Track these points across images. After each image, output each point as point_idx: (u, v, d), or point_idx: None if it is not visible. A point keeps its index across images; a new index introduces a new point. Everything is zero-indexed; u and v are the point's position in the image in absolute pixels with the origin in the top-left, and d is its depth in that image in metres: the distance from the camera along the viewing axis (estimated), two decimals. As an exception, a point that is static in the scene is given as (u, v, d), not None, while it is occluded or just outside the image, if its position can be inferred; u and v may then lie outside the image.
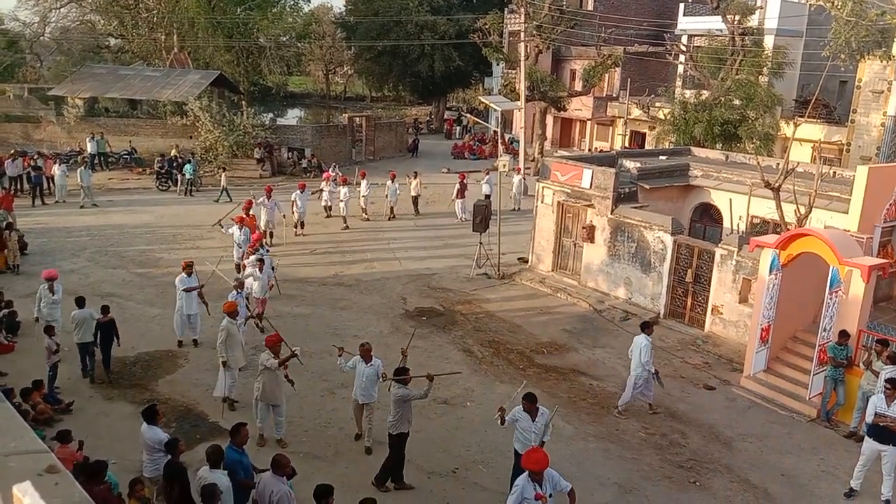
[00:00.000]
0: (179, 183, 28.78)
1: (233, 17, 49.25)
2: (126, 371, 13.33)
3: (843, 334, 12.30)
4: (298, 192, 23.31)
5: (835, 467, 11.24)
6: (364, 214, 25.62)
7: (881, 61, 25.77)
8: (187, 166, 28.89)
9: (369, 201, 25.75)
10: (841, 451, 11.70)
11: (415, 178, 26.79)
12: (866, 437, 10.44)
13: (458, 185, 26.12)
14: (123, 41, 54.29)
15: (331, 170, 28.85)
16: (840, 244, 12.47)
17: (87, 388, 12.65)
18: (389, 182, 25.83)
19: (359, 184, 26.10)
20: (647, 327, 12.67)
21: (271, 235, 21.66)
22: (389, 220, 25.71)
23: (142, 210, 25.73)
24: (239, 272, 17.33)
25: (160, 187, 29.46)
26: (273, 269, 16.92)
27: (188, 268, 14.58)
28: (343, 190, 25.05)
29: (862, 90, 27.93)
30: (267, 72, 59.80)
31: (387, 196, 25.75)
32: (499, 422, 9.56)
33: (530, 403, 9.40)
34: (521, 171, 29.27)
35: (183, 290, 14.32)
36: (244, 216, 19.20)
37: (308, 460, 10.59)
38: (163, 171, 29.84)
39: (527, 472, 7.60)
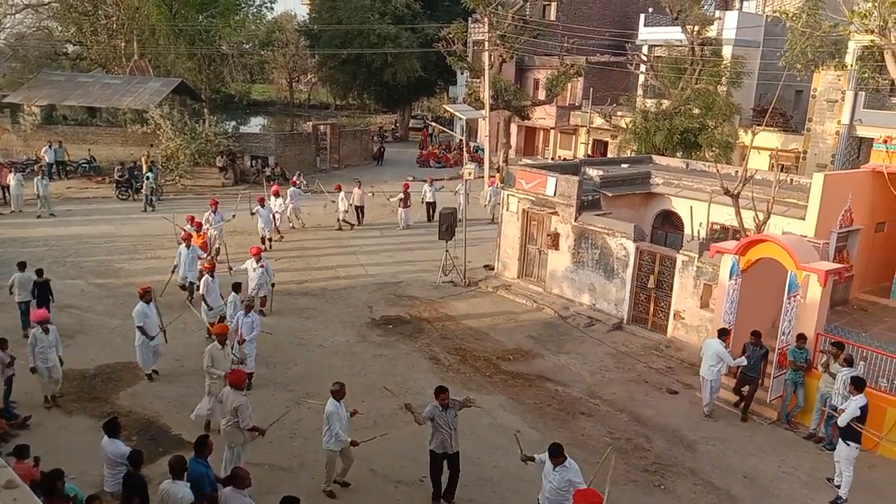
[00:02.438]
0: (144, 191, 28.35)
1: (194, 24, 48.75)
2: (86, 384, 13.04)
3: (801, 338, 12.59)
4: (274, 198, 24.04)
5: (794, 468, 11.48)
6: (339, 223, 25.65)
7: (835, 71, 26.51)
8: (149, 174, 28.47)
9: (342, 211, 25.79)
10: (801, 452, 11.94)
11: (358, 187, 26.39)
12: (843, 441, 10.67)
13: (401, 194, 26.17)
14: (82, 48, 53.28)
15: (296, 177, 28.70)
16: (798, 250, 12.77)
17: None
18: (337, 194, 25.72)
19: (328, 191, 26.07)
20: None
21: (217, 252, 20.38)
22: (338, 230, 25.48)
23: (101, 219, 25.26)
24: (188, 291, 16.86)
25: (120, 196, 28.95)
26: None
27: (146, 295, 13.35)
28: (278, 202, 24.22)
29: (817, 99, 28.69)
30: (229, 79, 59.27)
31: (336, 208, 25.64)
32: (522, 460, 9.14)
33: (558, 458, 8.45)
34: (497, 182, 29.23)
35: (141, 326, 13.10)
36: (194, 233, 18.31)
37: (273, 472, 10.48)
38: (123, 179, 29.35)
39: None
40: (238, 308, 13.73)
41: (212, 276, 15.11)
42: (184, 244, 17.21)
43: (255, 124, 63.79)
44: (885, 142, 16.73)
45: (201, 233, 18.83)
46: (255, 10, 58.28)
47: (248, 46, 59.87)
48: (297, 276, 19.99)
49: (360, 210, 26.32)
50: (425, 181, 28.09)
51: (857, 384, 10.82)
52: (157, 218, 24.33)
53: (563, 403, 13.34)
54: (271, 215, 22.90)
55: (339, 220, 25.61)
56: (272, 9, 67.95)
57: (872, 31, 13.97)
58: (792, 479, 11.20)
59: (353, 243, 23.85)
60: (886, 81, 22.63)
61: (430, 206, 26.84)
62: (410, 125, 57.14)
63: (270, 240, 22.78)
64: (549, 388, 13.93)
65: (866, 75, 24.93)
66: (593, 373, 14.76)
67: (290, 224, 25.10)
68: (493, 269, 20.88)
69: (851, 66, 25.54)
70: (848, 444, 10.64)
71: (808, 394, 12.58)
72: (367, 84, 52.32)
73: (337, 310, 17.57)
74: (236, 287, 14.46)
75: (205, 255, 17.78)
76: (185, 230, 18.31)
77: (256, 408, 12.08)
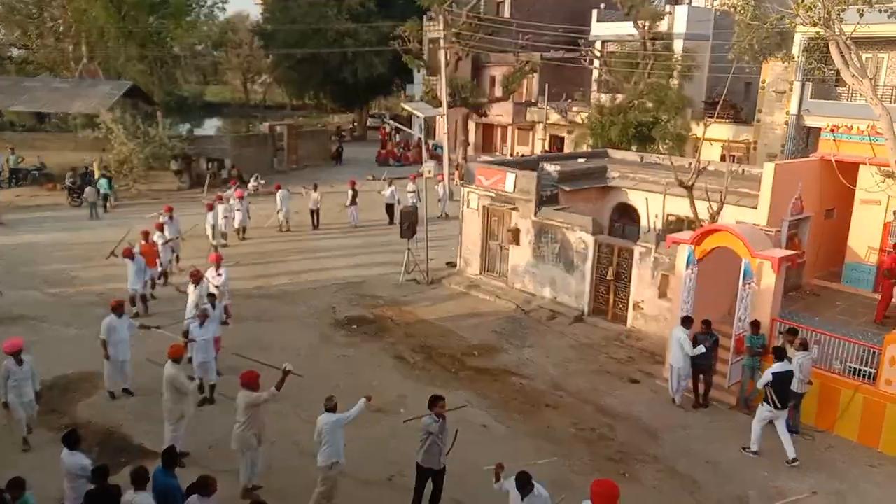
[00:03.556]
0: (89, 198, 27.75)
1: (145, 25, 47.78)
2: (43, 396, 12.70)
3: (756, 324, 12.90)
4: (237, 201, 23.80)
5: (755, 452, 11.74)
6: (280, 225, 25.53)
7: (782, 63, 27.14)
8: (102, 181, 27.92)
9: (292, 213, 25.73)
10: (762, 437, 12.23)
11: (314, 190, 26.11)
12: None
13: (350, 192, 26.07)
14: (27, 52, 51.88)
15: (253, 180, 28.50)
16: (751, 238, 13.08)
17: (1, 416, 12.02)
18: (278, 193, 25.49)
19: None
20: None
21: (177, 260, 20.24)
22: (284, 231, 25.34)
23: (54, 227, 24.67)
24: (134, 305, 16.32)
25: (73, 203, 28.31)
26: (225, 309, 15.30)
27: (118, 308, 12.72)
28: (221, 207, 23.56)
29: (766, 91, 29.35)
30: (182, 81, 58.36)
31: (278, 210, 25.41)
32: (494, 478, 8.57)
33: (525, 489, 8.01)
34: (445, 178, 29.42)
35: (104, 340, 12.51)
36: (142, 241, 17.84)
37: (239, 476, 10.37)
38: (75, 185, 28.69)
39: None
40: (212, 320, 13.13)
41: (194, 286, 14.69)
42: (127, 259, 16.51)
43: (211, 126, 62.84)
44: (832, 130, 17.19)
45: (150, 242, 18.02)
46: (206, 11, 57.36)
47: (200, 48, 59.03)
48: (257, 279, 19.80)
49: (315, 213, 26.02)
50: (384, 180, 28.11)
51: (776, 353, 11.70)
52: (113, 224, 23.85)
53: (528, 397, 13.46)
54: (221, 219, 22.46)
55: (279, 221, 25.41)
56: (224, 9, 66.66)
57: (817, 23, 14.33)
58: (753, 463, 11.48)
59: (315, 245, 23.72)
60: (832, 72, 23.22)
61: (390, 207, 26.77)
62: (368, 124, 56.92)
63: (225, 237, 22.76)
64: (514, 382, 14.05)
65: (812, 66, 25.61)
66: (557, 365, 14.92)
67: (278, 225, 25.38)
68: (455, 266, 20.94)
69: (798, 57, 26.19)
70: (762, 405, 11.60)
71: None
72: (324, 83, 51.98)
73: (299, 312, 17.45)
74: (211, 297, 13.86)
75: (150, 270, 17.30)
76: (128, 245, 17.49)
77: (218, 416, 12.00)
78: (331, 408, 9.45)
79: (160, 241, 18.76)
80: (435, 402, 9.38)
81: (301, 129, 42.31)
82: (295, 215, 26.05)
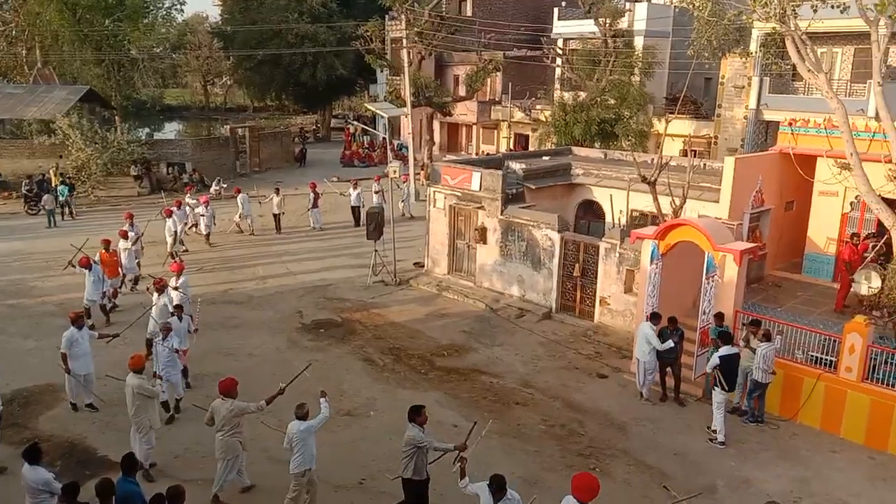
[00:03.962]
0: (47, 206, 27.14)
1: (100, 28, 46.77)
2: (2, 410, 12.37)
3: (720, 316, 13.08)
4: (203, 206, 23.48)
5: (721, 442, 11.92)
6: (240, 228, 25.26)
7: (740, 58, 27.59)
8: (61, 188, 27.33)
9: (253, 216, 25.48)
10: (726, 426, 12.40)
11: (277, 194, 25.72)
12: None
13: (311, 195, 25.93)
14: (-22, 57, 50.58)
15: (215, 184, 28.13)
16: (713, 231, 13.26)
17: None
18: (238, 197, 25.26)
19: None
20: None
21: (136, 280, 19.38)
22: (248, 235, 25.04)
23: (10, 236, 24.07)
24: (89, 317, 15.49)
25: (29, 211, 27.66)
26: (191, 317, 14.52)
27: (78, 320, 12.35)
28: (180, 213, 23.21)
29: (725, 86, 29.82)
30: (140, 85, 57.25)
31: (239, 214, 25.15)
32: (458, 475, 8.38)
33: (499, 493, 7.77)
34: (409, 178, 29.33)
35: (65, 354, 12.10)
36: (103, 251, 17.21)
37: (207, 486, 10.19)
38: (31, 193, 28.03)
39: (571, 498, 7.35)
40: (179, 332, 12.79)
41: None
42: (84, 269, 16.07)
43: (171, 130, 61.99)
44: (790, 124, 17.53)
45: (110, 251, 17.40)
46: (164, 13, 56.40)
47: (158, 50, 57.92)
48: (222, 285, 19.54)
49: (277, 218, 25.64)
50: (350, 182, 27.92)
51: (723, 337, 12.20)
52: (72, 232, 23.31)
53: (498, 395, 13.48)
54: (181, 225, 22.21)
55: (236, 223, 25.15)
56: (182, 11, 65.99)
57: (773, 19, 14.59)
58: (720, 453, 11.65)
59: (280, 249, 23.49)
60: (789, 67, 23.68)
61: (355, 209, 26.55)
62: (332, 125, 56.56)
63: (182, 243, 22.45)
64: (484, 381, 14.06)
65: (770, 61, 26.04)
66: (526, 363, 14.98)
67: (238, 229, 25.09)
68: (423, 266, 20.90)
69: (755, 52, 26.64)
70: (714, 390, 12.02)
71: (730, 369, 13.08)
72: (286, 85, 51.51)
73: (265, 317, 17.26)
74: (177, 309, 13.42)
75: (111, 281, 16.88)
76: (84, 255, 16.77)
77: (185, 423, 11.81)
78: (301, 415, 9.32)
79: (123, 248, 18.36)
80: (418, 412, 9.11)
81: (263, 131, 41.88)
82: (259, 219, 25.84)
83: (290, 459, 9.35)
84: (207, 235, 23.66)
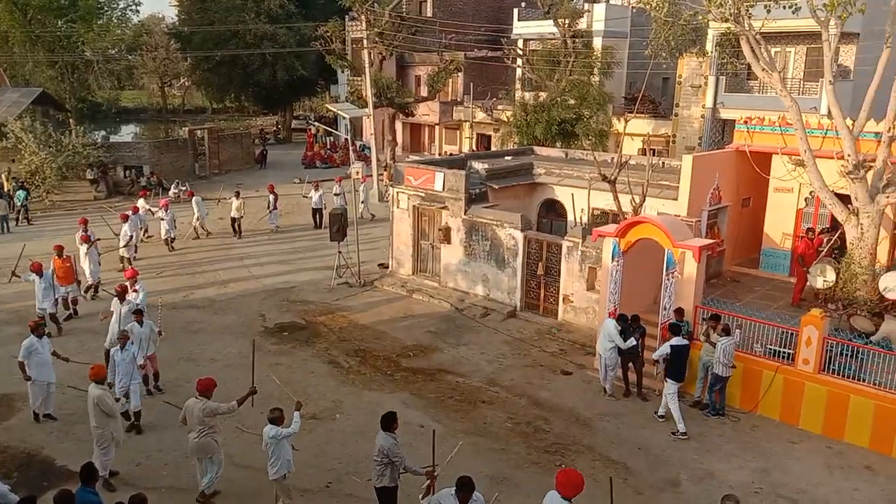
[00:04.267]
0: (12, 211, 26.44)
1: (53, 29, 45.78)
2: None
3: (680, 311, 13.28)
4: (163, 210, 22.98)
5: (683, 432, 12.10)
6: (197, 233, 24.81)
7: (697, 58, 28.12)
8: (19, 193, 26.64)
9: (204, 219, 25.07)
10: (688, 419, 12.58)
11: (237, 197, 25.09)
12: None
13: (270, 197, 25.67)
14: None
15: (174, 187, 27.68)
16: (673, 229, 13.47)
17: None
18: (192, 200, 24.88)
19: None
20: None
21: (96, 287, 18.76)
22: (204, 238, 24.73)
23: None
24: (45, 325, 14.40)
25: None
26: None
27: (38, 328, 11.99)
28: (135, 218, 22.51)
29: (682, 85, 30.34)
30: (96, 87, 56.21)
31: (196, 216, 24.69)
32: (421, 496, 8.26)
33: (465, 494, 7.51)
34: (367, 180, 29.10)
35: (22, 363, 11.74)
36: (56, 256, 16.49)
37: (171, 494, 10.05)
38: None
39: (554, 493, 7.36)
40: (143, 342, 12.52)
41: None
42: (35, 275, 15.60)
43: (127, 133, 60.80)
44: (746, 122, 17.88)
45: (63, 257, 16.62)
46: (119, 14, 55.43)
47: (113, 52, 56.91)
48: (183, 290, 19.23)
49: (236, 222, 25.05)
50: (311, 184, 27.67)
51: (672, 329, 12.54)
52: (26, 238, 22.69)
53: (464, 394, 13.51)
54: (137, 230, 21.77)
55: (194, 227, 24.68)
56: (138, 11, 64.73)
57: (728, 19, 14.89)
58: (682, 446, 11.82)
59: (241, 252, 23.20)
60: (744, 66, 24.19)
61: (316, 211, 26.26)
62: (293, 126, 56.10)
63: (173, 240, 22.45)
64: (450, 381, 14.07)
65: (725, 61, 26.57)
66: (491, 361, 15.03)
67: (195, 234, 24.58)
68: (387, 267, 20.84)
69: (711, 52, 27.17)
70: (666, 381, 12.42)
71: (692, 364, 13.30)
72: (245, 86, 50.98)
73: (227, 321, 17.03)
74: (137, 314, 12.98)
75: (64, 288, 16.40)
76: (32, 261, 16.37)
77: (149, 437, 11.60)
78: (273, 419, 9.21)
79: (84, 254, 17.93)
80: (392, 420, 8.91)
81: (223, 133, 41.32)
82: (220, 221, 25.49)
83: (268, 465, 9.26)
84: (167, 240, 23.19)
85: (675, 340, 12.38)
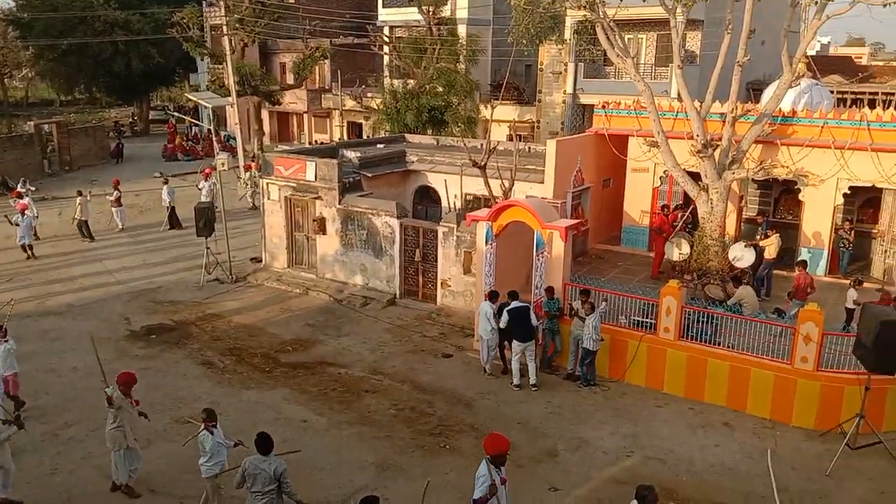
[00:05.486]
0: None
1: None
2: None
3: (550, 290, 13.82)
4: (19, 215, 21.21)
5: (559, 407, 12.65)
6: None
7: (556, 45, 29.11)
8: None
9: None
10: (563, 392, 13.18)
11: (78, 196, 23.02)
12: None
13: (115, 193, 24.29)
14: None
15: (20, 185, 25.58)
16: (540, 211, 13.96)
17: None
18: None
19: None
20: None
21: None
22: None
23: None
24: None
25: None
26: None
27: None
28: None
29: (544, 72, 31.34)
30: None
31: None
32: None
33: None
34: (252, 167, 28.07)
35: None
36: None
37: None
38: None
39: (488, 459, 7.77)
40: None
41: None
42: None
43: (-38, 129, 55.45)
44: (604, 107, 18.78)
45: None
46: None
47: (-60, 40, 51.66)
48: (36, 295, 17.91)
49: (84, 225, 22.96)
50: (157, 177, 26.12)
51: (510, 295, 13.38)
52: None
53: (347, 385, 13.45)
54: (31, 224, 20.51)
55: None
56: (-33, -4, 58.72)
57: (583, 7, 15.54)
58: (559, 418, 12.35)
59: (98, 253, 21.83)
60: (600, 52, 25.27)
61: (172, 210, 24.57)
62: (151, 117, 53.27)
63: (31, 247, 20.89)
64: (332, 373, 13.96)
65: (583, 48, 27.75)
66: (373, 350, 15.04)
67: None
68: (260, 261, 20.30)
69: (570, 39, 28.23)
70: (514, 343, 13.24)
71: (563, 339, 13.90)
72: (95, 76, 47.86)
73: (88, 326, 16.00)
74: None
75: None
76: None
77: (30, 453, 10.75)
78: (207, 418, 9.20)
79: None
80: (266, 442, 8.40)
81: (73, 126, 38.64)
82: (72, 223, 23.47)
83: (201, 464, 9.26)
84: (24, 247, 21.19)
85: (513, 305, 13.17)
